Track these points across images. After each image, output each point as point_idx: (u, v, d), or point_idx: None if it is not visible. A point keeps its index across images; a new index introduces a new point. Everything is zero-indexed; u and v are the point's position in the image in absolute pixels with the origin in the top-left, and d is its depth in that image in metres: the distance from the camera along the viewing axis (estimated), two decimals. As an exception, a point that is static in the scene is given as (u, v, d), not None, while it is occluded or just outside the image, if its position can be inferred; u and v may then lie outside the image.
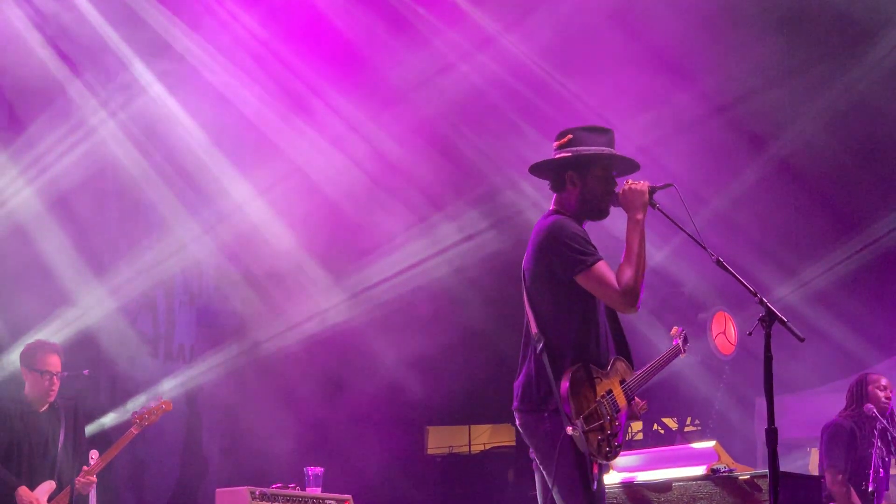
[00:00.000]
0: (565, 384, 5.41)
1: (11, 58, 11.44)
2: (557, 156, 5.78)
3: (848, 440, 8.94)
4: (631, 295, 5.43)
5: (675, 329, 6.95)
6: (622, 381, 5.70)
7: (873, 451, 8.79)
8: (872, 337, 12.62)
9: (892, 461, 8.95)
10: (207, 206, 13.15)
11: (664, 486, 7.87)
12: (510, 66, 13.14)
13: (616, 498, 7.95)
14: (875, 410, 8.87)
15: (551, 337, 5.53)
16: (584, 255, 5.47)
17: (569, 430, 5.34)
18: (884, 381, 9.16)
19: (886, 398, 9.03)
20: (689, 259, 12.52)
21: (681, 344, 6.79)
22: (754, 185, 13.00)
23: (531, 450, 5.63)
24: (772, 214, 13.15)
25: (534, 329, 5.58)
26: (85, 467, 8.69)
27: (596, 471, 5.48)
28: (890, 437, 8.90)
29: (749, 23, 12.64)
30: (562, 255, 5.50)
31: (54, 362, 8.77)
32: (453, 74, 13.18)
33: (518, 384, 5.64)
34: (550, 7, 12.53)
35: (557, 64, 12.98)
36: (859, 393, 9.16)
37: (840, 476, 8.74)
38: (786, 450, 10.32)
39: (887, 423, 8.89)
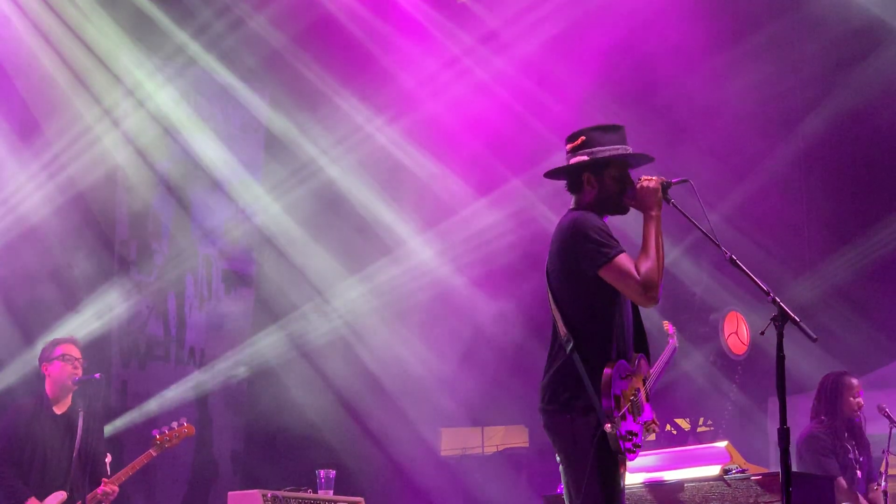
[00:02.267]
0: (606, 381, 5.42)
1: (24, 62, 11.48)
2: (573, 160, 5.81)
3: (831, 448, 8.93)
4: (651, 288, 5.46)
5: (666, 324, 6.97)
6: (645, 380, 5.72)
7: (885, 451, 8.81)
8: (883, 337, 12.59)
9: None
10: (217, 208, 13.16)
11: (676, 487, 7.85)
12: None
13: (629, 498, 7.92)
14: (887, 410, 8.87)
15: (582, 336, 5.54)
16: (607, 247, 5.50)
17: (607, 427, 5.35)
18: (856, 384, 9.13)
19: (859, 405, 9.03)
20: (702, 257, 12.51)
21: (675, 342, 6.84)
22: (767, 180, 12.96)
23: (556, 451, 5.62)
24: (784, 211, 13.11)
25: (562, 329, 5.58)
26: (104, 479, 8.68)
27: (622, 469, 5.50)
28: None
29: (762, 26, 12.63)
30: (585, 250, 5.52)
31: (73, 350, 8.88)
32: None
33: (546, 384, 5.63)
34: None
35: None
36: (831, 400, 9.13)
37: (842, 481, 8.73)
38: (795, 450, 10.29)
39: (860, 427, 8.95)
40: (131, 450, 9.43)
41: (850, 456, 8.92)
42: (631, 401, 5.51)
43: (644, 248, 5.54)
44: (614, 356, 5.54)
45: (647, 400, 5.71)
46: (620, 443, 5.39)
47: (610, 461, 5.43)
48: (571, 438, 5.49)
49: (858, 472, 8.85)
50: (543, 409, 5.63)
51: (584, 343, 5.52)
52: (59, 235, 11.47)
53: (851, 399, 9.03)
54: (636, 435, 5.53)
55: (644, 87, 12.80)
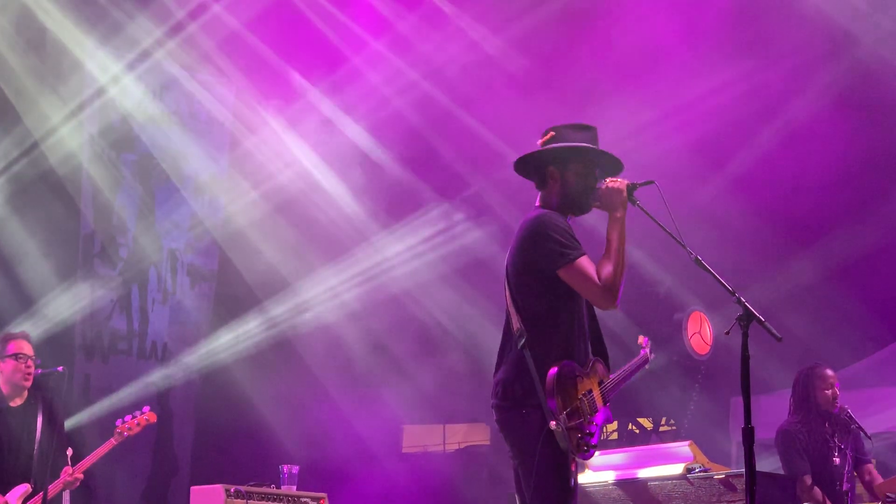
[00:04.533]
0: (552, 379, 5.39)
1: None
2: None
3: (802, 446, 8.87)
4: (611, 291, 5.45)
5: (641, 338, 6.98)
6: (601, 383, 5.70)
7: (847, 451, 8.76)
8: (844, 339, 12.63)
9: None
10: (182, 202, 13.13)
11: (639, 486, 7.88)
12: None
13: (591, 497, 7.95)
14: (849, 412, 8.82)
15: (534, 333, 5.51)
16: (568, 248, 5.49)
17: (552, 424, 5.33)
18: (829, 375, 9.02)
19: (834, 396, 8.93)
20: (666, 257, 12.53)
21: (648, 353, 6.84)
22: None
23: (509, 447, 5.62)
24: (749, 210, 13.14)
25: (516, 325, 5.57)
26: (67, 467, 8.62)
27: (574, 468, 5.49)
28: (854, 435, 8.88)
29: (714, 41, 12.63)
30: (545, 249, 5.51)
31: (26, 346, 8.74)
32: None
33: (498, 380, 5.61)
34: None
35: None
36: (805, 394, 9.04)
37: (807, 480, 8.71)
38: (759, 449, 10.35)
39: (846, 420, 8.85)
40: (94, 444, 9.36)
41: (831, 445, 8.81)
42: (580, 400, 5.48)
43: (606, 250, 5.53)
44: (564, 356, 5.52)
45: (604, 403, 5.70)
46: (568, 442, 5.37)
47: (561, 459, 5.40)
48: (524, 435, 5.47)
49: (836, 459, 8.71)
50: (497, 406, 5.61)
51: (535, 340, 5.50)
52: (23, 228, 11.40)
53: (826, 391, 8.93)
54: (591, 435, 5.49)
55: (610, 82, 12.78)
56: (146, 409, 9.29)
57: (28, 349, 8.75)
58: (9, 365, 8.69)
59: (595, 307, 5.78)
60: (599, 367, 5.75)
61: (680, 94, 12.44)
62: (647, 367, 6.78)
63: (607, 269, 5.46)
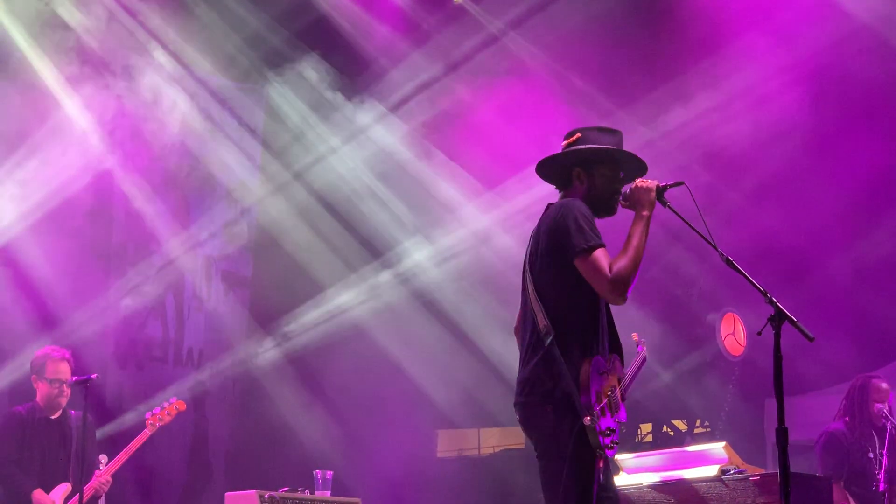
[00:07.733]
0: (584, 375, 5.40)
1: (16, 62, 11.49)
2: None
3: (844, 449, 8.88)
4: (621, 285, 5.41)
5: (635, 336, 6.98)
6: (619, 380, 5.70)
7: (884, 452, 8.75)
8: (879, 339, 12.55)
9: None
10: (216, 209, 13.17)
11: (674, 487, 7.85)
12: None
13: (626, 499, 7.93)
14: (885, 410, 8.81)
15: (562, 329, 5.50)
16: (587, 238, 5.46)
17: (587, 420, 5.31)
18: (885, 388, 9.04)
19: (880, 412, 8.92)
20: (700, 258, 12.46)
21: (644, 351, 6.85)
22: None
23: (534, 445, 5.60)
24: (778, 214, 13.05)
25: (542, 322, 5.54)
26: (97, 471, 8.77)
27: (601, 465, 5.47)
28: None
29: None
30: (567, 233, 5.49)
31: (64, 370, 8.88)
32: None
33: (525, 378, 5.60)
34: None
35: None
36: (859, 403, 9.05)
37: (841, 483, 8.71)
38: (793, 451, 10.29)
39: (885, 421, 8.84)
40: (129, 451, 9.46)
41: (871, 455, 8.85)
42: (608, 397, 5.48)
43: (625, 245, 5.50)
44: (592, 352, 5.51)
45: (623, 400, 5.69)
46: (599, 438, 5.36)
47: (587, 455, 5.38)
48: (551, 431, 5.45)
49: (877, 472, 8.76)
50: (522, 403, 5.59)
51: (564, 336, 5.48)
52: (57, 237, 11.45)
53: (879, 404, 8.93)
54: (613, 432, 5.48)
55: (642, 85, 12.74)
56: (173, 399, 9.44)
57: (65, 373, 8.90)
58: (44, 387, 8.89)
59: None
60: (617, 364, 5.74)
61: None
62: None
63: (622, 262, 5.43)
